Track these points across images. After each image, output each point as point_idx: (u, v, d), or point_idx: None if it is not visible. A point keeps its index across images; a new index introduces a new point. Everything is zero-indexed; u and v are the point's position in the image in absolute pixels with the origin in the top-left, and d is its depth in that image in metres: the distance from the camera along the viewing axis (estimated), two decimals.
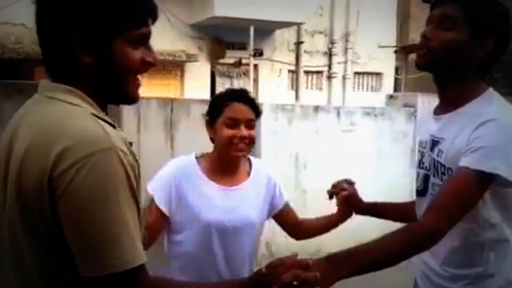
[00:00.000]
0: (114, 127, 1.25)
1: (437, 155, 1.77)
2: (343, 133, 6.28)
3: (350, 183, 2.32)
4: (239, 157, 2.18)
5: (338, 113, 6.33)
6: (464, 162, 1.61)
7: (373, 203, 2.29)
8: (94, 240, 1.14)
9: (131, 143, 1.28)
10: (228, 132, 2.13)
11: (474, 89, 1.72)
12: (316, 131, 6.17)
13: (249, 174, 2.28)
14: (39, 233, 1.18)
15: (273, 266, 1.43)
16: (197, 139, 6.86)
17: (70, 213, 1.14)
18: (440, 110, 1.82)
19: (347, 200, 2.29)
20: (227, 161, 2.20)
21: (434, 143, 1.79)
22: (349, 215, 2.32)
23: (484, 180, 1.59)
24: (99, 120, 1.22)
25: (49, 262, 1.20)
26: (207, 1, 12.13)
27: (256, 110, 2.20)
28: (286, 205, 2.37)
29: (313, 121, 6.17)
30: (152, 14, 1.31)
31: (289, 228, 2.40)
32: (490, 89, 1.73)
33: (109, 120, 1.27)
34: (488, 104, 1.67)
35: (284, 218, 2.37)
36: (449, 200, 1.60)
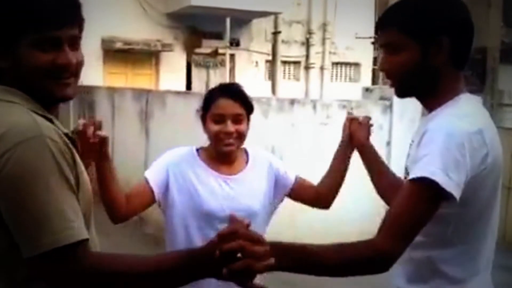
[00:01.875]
0: (51, 121, 1.32)
1: (407, 158, 1.71)
2: (319, 126, 6.24)
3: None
4: (229, 151, 2.18)
5: (314, 106, 6.29)
6: (411, 174, 1.49)
7: (375, 152, 2.19)
8: (26, 222, 1.20)
9: (74, 138, 1.36)
10: (214, 127, 2.14)
11: (447, 93, 1.61)
12: (292, 124, 6.12)
13: (247, 163, 2.27)
14: None
15: (223, 234, 1.34)
16: (172, 130, 6.83)
17: (4, 201, 1.21)
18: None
19: (354, 129, 2.23)
20: (221, 153, 2.21)
21: (410, 145, 1.73)
22: (350, 145, 2.26)
23: (430, 191, 1.44)
24: (32, 113, 1.28)
25: None
26: None
27: (246, 105, 2.19)
28: (297, 181, 2.31)
29: (289, 114, 6.12)
30: (60, 17, 1.31)
31: (311, 200, 2.34)
32: (461, 95, 1.61)
33: (47, 115, 1.32)
34: (446, 111, 1.57)
35: (301, 192, 2.31)
36: (398, 219, 1.47)
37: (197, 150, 2.28)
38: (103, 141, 1.91)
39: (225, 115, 2.13)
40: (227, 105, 2.14)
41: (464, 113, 1.53)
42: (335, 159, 2.32)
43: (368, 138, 2.22)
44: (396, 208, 1.49)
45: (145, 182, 2.18)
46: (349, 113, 2.31)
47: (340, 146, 2.30)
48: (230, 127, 2.13)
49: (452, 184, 1.43)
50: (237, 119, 2.14)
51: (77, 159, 1.33)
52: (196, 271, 1.36)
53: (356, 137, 2.22)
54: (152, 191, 2.16)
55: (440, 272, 1.59)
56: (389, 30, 1.63)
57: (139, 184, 2.19)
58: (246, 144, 2.27)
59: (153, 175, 2.19)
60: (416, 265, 1.64)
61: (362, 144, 2.21)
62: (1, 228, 1.24)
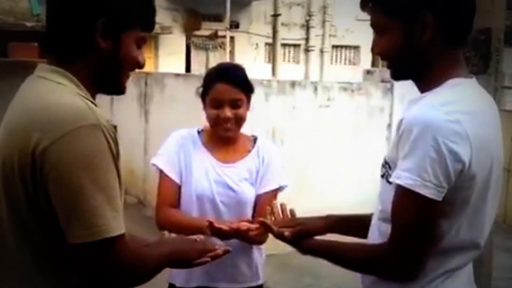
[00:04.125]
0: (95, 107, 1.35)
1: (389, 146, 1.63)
2: (320, 109, 6.22)
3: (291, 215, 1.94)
4: (228, 136, 2.16)
5: (315, 89, 6.26)
6: (393, 177, 1.40)
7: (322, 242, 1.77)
8: (84, 209, 1.22)
9: (115, 127, 1.40)
10: (212, 112, 2.12)
11: (439, 75, 1.48)
12: (293, 106, 6.10)
13: (249, 152, 2.22)
14: (20, 208, 1.28)
15: None
16: (172, 112, 6.81)
17: (60, 186, 1.22)
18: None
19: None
20: (220, 137, 2.19)
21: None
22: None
23: (414, 199, 1.35)
24: (84, 98, 1.31)
25: (29, 235, 1.29)
26: None
27: (245, 88, 2.14)
28: (263, 196, 2.18)
29: (290, 96, 6.10)
30: (153, 25, 1.49)
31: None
32: (450, 80, 1.47)
33: (93, 101, 1.36)
34: (425, 100, 1.45)
35: (255, 205, 2.20)
36: (398, 231, 1.41)
37: (199, 132, 2.25)
38: None
39: (223, 100, 2.10)
40: (224, 90, 2.10)
41: (442, 101, 1.41)
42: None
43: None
44: (394, 219, 1.43)
45: (167, 182, 2.17)
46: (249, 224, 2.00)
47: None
48: (228, 112, 2.09)
49: (423, 185, 1.34)
50: (235, 104, 2.11)
51: (118, 146, 1.37)
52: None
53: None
54: (178, 187, 2.18)
55: None
56: (371, 11, 1.55)
57: (163, 187, 2.19)
58: (248, 128, 2.23)
59: (170, 168, 2.17)
60: None
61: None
62: (28, 219, 1.28)
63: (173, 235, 1.70)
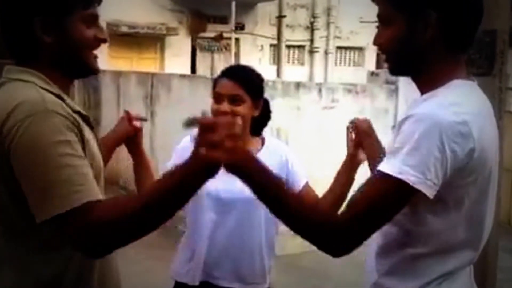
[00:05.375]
0: (61, 98, 1.42)
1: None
2: (325, 110, 6.24)
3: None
4: None
5: (320, 90, 6.28)
6: (383, 164, 1.40)
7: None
8: (35, 189, 1.30)
9: (87, 116, 1.49)
10: (213, 106, 2.19)
11: (439, 77, 1.49)
12: (298, 107, 6.11)
13: (258, 151, 2.24)
14: None
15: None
16: (177, 113, 6.83)
17: (18, 170, 1.31)
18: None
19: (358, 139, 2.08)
20: None
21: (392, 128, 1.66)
22: (356, 159, 2.12)
23: (399, 188, 1.35)
24: (42, 90, 1.38)
25: (7, 214, 1.38)
26: None
27: (248, 86, 2.17)
28: (304, 188, 2.28)
29: (295, 97, 6.11)
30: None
31: None
32: (453, 81, 1.48)
33: (59, 93, 1.43)
34: (432, 100, 1.44)
35: None
36: (364, 206, 1.38)
37: None
38: (138, 131, 2.29)
39: (222, 94, 2.14)
40: (225, 85, 2.15)
41: (450, 102, 1.41)
42: (339, 173, 2.19)
43: (377, 152, 2.01)
44: (364, 196, 1.41)
45: None
46: (351, 122, 2.14)
47: (346, 159, 2.17)
48: (225, 107, 2.12)
49: (425, 182, 1.34)
50: (234, 100, 2.14)
51: (85, 135, 1.42)
52: (193, 177, 1.44)
53: (365, 149, 2.08)
54: None
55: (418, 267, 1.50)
56: (379, 1, 1.57)
57: None
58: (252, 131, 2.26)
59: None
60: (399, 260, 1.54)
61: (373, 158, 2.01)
62: (12, 197, 1.36)
63: None
